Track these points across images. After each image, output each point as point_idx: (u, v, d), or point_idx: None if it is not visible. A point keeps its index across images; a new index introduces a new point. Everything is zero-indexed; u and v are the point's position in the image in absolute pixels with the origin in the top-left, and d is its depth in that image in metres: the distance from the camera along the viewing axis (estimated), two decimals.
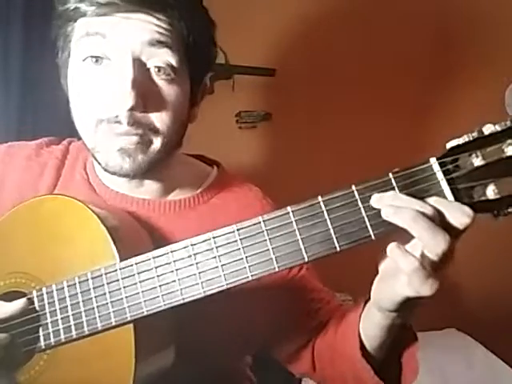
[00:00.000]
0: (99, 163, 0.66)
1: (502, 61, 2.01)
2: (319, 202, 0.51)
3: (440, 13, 2.01)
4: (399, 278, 0.50)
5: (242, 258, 0.53)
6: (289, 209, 0.52)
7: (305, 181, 1.85)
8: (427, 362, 1.50)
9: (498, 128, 0.49)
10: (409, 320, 0.60)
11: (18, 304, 0.60)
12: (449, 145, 0.50)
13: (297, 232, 0.51)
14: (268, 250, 0.52)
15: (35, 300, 0.60)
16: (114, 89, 0.60)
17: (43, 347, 0.59)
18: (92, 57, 0.62)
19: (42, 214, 0.63)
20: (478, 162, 0.48)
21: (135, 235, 0.66)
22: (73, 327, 0.58)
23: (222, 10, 1.75)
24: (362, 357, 0.62)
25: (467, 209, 0.48)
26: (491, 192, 0.48)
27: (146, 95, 0.61)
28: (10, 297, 0.62)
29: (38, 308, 0.60)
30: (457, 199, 0.48)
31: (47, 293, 0.59)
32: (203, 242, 0.54)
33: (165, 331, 0.63)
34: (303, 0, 1.96)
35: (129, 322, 0.56)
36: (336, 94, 2.00)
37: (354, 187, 0.51)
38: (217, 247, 0.54)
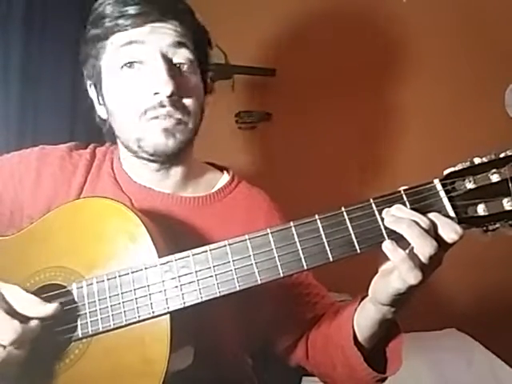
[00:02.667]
0: (146, 152, 0.77)
1: None
2: (342, 212, 0.61)
3: None
4: (393, 273, 0.60)
5: (275, 257, 0.61)
6: (316, 216, 0.61)
7: (304, 180, 1.91)
8: (427, 361, 1.58)
9: (484, 160, 0.61)
10: (397, 315, 0.69)
11: (55, 306, 0.63)
12: (446, 171, 0.62)
13: (323, 236, 0.61)
14: (298, 251, 0.61)
15: (74, 292, 0.65)
16: (152, 82, 0.74)
17: (80, 336, 0.63)
18: (128, 63, 0.75)
19: (85, 213, 0.68)
20: (470, 185, 0.60)
21: (160, 235, 0.72)
22: (111, 317, 0.63)
23: (223, 11, 1.88)
24: (353, 345, 0.71)
25: (458, 227, 0.59)
26: (481, 210, 0.60)
27: (178, 84, 0.74)
28: (48, 289, 0.66)
29: (76, 299, 0.64)
30: (456, 214, 0.60)
31: (87, 285, 0.64)
32: (240, 242, 0.62)
33: (188, 330, 0.68)
34: (304, 0, 2.01)
35: (167, 313, 0.62)
36: (336, 94, 2.04)
37: (371, 200, 0.61)
38: (253, 248, 0.62)
